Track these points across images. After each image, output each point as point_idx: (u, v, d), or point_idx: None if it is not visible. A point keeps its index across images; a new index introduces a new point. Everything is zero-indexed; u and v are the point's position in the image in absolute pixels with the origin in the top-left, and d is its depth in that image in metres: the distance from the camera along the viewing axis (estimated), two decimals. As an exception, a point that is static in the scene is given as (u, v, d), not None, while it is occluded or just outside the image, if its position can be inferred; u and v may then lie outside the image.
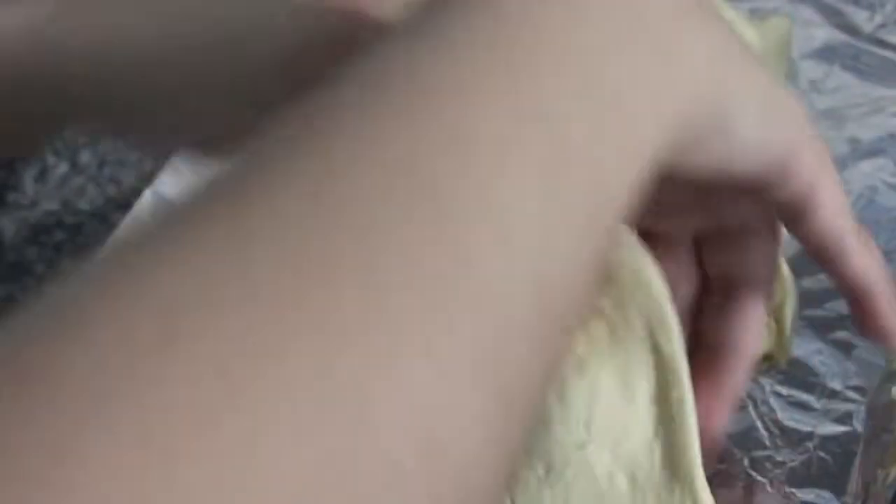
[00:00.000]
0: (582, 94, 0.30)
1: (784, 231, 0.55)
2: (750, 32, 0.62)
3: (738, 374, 0.42)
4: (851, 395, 0.49)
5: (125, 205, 0.66)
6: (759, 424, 0.49)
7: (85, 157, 0.70)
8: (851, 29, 0.63)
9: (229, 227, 0.24)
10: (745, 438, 0.49)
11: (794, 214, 0.38)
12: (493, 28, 0.30)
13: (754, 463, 0.48)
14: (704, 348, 0.43)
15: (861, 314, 0.41)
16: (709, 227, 0.41)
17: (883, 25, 0.63)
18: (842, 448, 0.48)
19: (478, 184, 0.27)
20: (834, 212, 0.38)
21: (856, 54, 0.62)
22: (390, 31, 0.31)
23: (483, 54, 0.29)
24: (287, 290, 0.23)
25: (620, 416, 0.42)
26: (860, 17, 0.64)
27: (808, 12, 0.64)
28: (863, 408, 0.49)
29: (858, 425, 0.48)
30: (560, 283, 0.28)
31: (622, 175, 0.31)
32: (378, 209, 0.25)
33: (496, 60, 0.29)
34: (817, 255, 0.40)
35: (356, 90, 0.28)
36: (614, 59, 0.31)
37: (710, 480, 0.47)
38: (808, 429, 0.49)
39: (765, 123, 0.36)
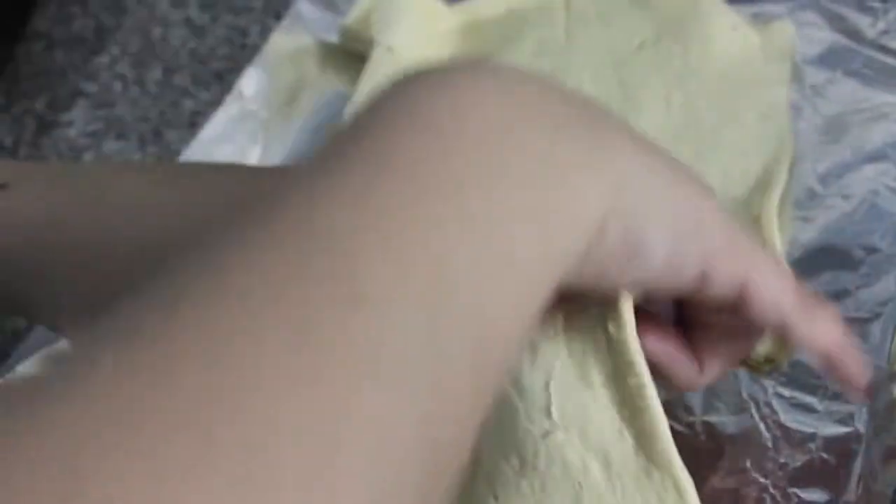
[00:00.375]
0: (472, 237, 0.30)
1: (784, 233, 0.55)
2: (753, 37, 0.63)
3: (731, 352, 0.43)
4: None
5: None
6: (761, 426, 0.49)
7: (88, 158, 0.70)
8: (854, 34, 0.63)
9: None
10: (747, 439, 0.49)
11: (731, 307, 0.39)
12: (378, 170, 0.30)
13: (757, 464, 0.48)
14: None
15: (825, 370, 0.43)
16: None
17: (886, 31, 0.63)
18: (843, 449, 0.48)
19: (364, 336, 0.26)
20: (768, 300, 0.39)
21: (859, 60, 0.62)
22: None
23: (367, 195, 0.29)
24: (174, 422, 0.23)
25: (581, 400, 0.42)
26: (863, 22, 0.64)
27: (811, 17, 0.65)
28: (864, 409, 0.49)
29: (860, 426, 0.48)
30: (447, 428, 0.28)
31: (510, 311, 0.31)
32: (261, 361, 0.25)
33: (382, 204, 0.29)
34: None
35: (249, 230, 0.29)
36: (505, 192, 0.31)
37: (713, 482, 0.47)
38: (811, 430, 0.49)
39: (676, 243, 0.36)
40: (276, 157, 0.66)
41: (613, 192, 0.34)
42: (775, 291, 0.39)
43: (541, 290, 0.32)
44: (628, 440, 0.44)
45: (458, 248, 0.29)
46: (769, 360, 0.51)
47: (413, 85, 0.32)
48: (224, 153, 0.67)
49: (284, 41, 0.71)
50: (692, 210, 0.37)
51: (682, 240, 0.36)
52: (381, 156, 0.30)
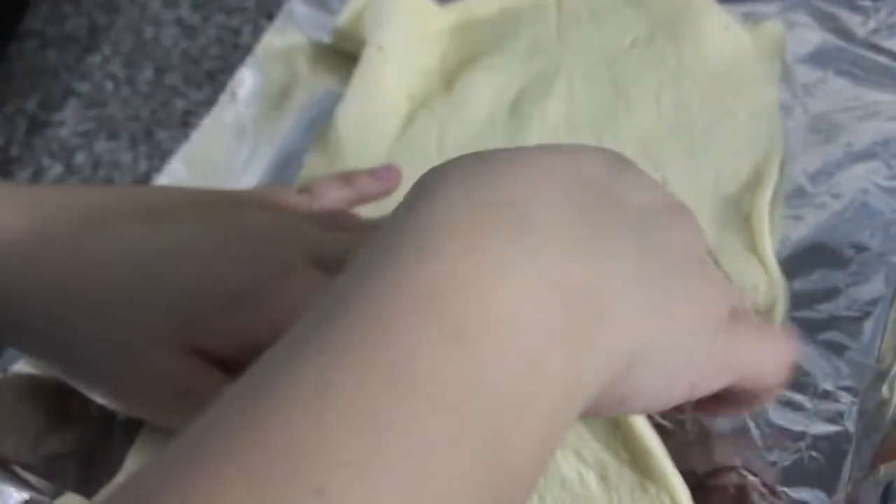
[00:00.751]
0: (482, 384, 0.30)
1: (775, 232, 0.55)
2: (744, 36, 0.63)
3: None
4: (843, 395, 0.49)
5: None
6: (751, 424, 0.49)
7: (80, 158, 0.70)
8: (845, 33, 0.63)
9: None
10: (737, 438, 0.49)
11: None
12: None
13: (746, 462, 0.48)
14: None
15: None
16: None
17: (877, 30, 0.63)
18: (833, 448, 0.48)
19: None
20: (752, 396, 0.41)
21: (849, 59, 0.62)
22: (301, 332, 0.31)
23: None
24: None
25: (573, 426, 0.43)
26: (854, 21, 0.64)
27: (801, 17, 0.64)
28: (854, 408, 0.49)
29: (850, 425, 0.48)
30: None
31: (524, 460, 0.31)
32: None
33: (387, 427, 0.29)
34: None
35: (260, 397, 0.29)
36: (512, 386, 0.31)
37: (702, 480, 0.47)
38: (800, 429, 0.49)
39: (666, 387, 0.36)
40: (265, 156, 0.66)
41: (611, 368, 0.34)
42: (760, 384, 0.40)
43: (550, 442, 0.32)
44: (624, 457, 0.44)
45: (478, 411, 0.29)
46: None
47: (418, 254, 0.32)
48: (215, 152, 0.67)
49: (276, 40, 0.71)
50: (685, 343, 0.36)
51: (671, 380, 0.36)
52: (392, 369, 0.29)
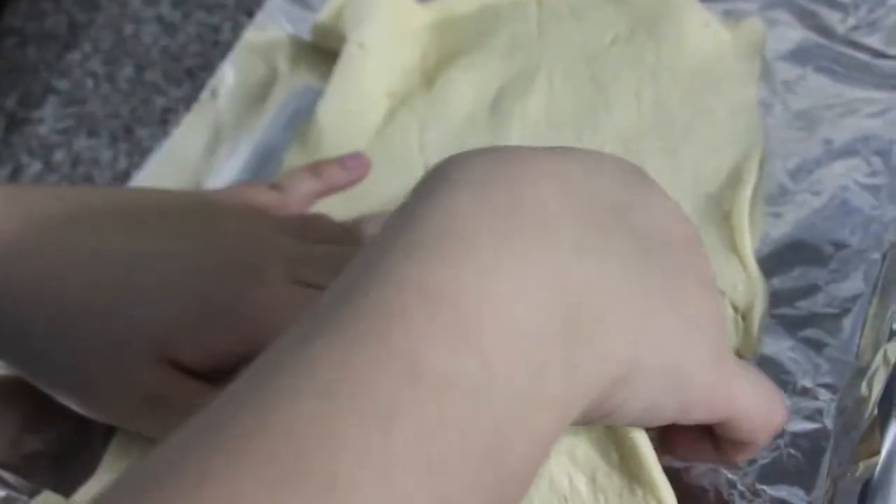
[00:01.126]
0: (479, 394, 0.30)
1: (755, 229, 0.55)
2: (724, 34, 0.63)
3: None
4: (822, 392, 0.49)
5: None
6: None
7: (59, 155, 0.70)
8: (825, 31, 0.63)
9: None
10: (715, 436, 0.49)
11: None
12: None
13: (725, 460, 0.48)
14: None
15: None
16: None
17: (856, 27, 0.63)
18: (812, 445, 0.48)
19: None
20: (742, 436, 0.40)
21: (829, 56, 0.62)
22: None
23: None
24: None
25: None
26: (834, 18, 0.64)
27: (781, 14, 0.65)
28: (833, 405, 0.49)
29: (829, 422, 0.48)
30: None
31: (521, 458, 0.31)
32: None
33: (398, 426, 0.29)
34: None
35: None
36: (511, 393, 0.31)
37: (681, 477, 0.47)
38: (779, 426, 0.49)
39: (654, 403, 0.36)
40: (245, 153, 0.66)
41: (609, 374, 0.34)
42: (750, 432, 0.40)
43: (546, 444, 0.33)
44: (614, 459, 0.44)
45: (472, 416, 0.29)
46: (735, 354, 0.51)
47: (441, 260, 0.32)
48: (195, 149, 0.67)
49: (256, 37, 0.71)
50: (679, 363, 0.36)
51: (661, 399, 0.36)
52: (403, 358, 0.29)
